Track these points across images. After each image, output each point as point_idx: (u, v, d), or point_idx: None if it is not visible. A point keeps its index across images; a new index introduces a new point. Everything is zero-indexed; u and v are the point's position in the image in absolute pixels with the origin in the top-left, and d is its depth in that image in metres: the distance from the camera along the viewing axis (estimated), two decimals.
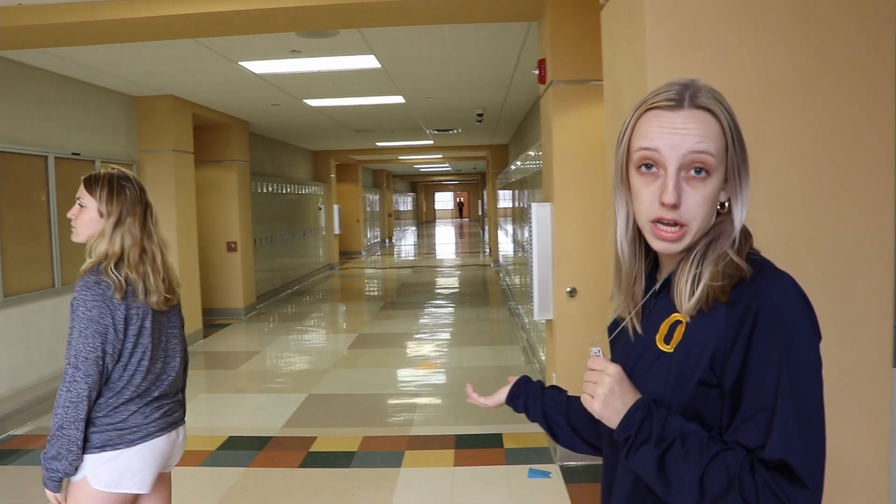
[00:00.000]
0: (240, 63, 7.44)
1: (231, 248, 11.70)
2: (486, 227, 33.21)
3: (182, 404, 2.84)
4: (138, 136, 9.26)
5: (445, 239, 36.02)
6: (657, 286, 1.43)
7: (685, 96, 1.31)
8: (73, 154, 7.72)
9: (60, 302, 7.38)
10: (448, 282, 16.98)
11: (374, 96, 9.99)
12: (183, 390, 2.87)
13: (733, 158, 1.32)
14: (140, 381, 2.58)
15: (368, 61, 7.54)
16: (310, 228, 17.88)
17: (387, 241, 32.08)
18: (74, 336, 2.53)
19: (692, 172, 1.30)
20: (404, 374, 8.05)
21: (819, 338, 1.27)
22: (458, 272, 18.98)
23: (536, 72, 5.24)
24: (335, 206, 20.28)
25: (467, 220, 55.64)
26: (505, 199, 15.40)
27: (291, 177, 16.83)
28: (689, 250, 1.34)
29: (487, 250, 24.62)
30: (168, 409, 2.70)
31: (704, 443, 1.25)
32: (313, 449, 5.60)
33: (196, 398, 7.24)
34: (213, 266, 11.68)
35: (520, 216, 10.92)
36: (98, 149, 8.29)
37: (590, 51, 4.84)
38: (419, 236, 38.85)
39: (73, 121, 7.85)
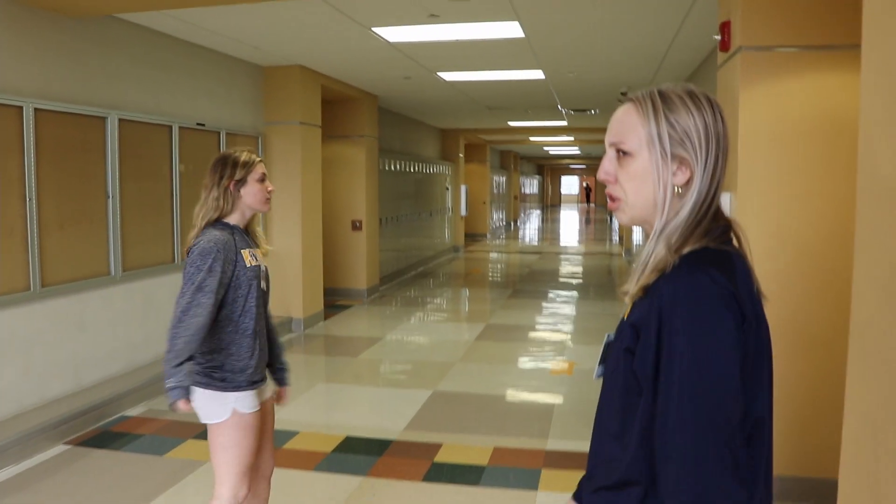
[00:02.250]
0: (373, 29, 6.88)
1: (356, 226, 11.27)
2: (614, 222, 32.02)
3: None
4: (265, 108, 8.88)
5: (572, 224, 35.01)
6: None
7: (629, 95, 1.50)
8: (198, 124, 7.36)
9: (180, 278, 7.03)
10: (577, 270, 16.15)
11: (512, 70, 9.29)
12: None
13: (656, 146, 1.43)
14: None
15: (511, 29, 6.85)
16: (436, 209, 17.38)
17: (512, 224, 31.38)
18: None
19: (620, 154, 1.48)
20: (536, 374, 7.36)
21: (719, 338, 1.29)
22: (587, 260, 18.11)
23: (718, 37, 4.42)
24: (462, 187, 19.73)
25: (593, 205, 54.22)
26: None
27: (419, 155, 16.35)
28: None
29: (616, 238, 23.57)
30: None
31: None
32: (438, 459, 4.99)
33: (314, 387, 6.78)
34: (338, 245, 11.29)
35: None
36: (224, 120, 7.93)
37: (789, 11, 4.00)
38: (544, 220, 37.94)
39: (199, 90, 7.50)
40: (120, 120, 6.16)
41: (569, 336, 8.95)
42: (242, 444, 3.01)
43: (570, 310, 10.89)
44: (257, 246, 3.17)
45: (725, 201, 4.26)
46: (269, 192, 3.13)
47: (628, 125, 1.47)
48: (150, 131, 6.66)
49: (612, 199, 1.52)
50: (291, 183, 8.85)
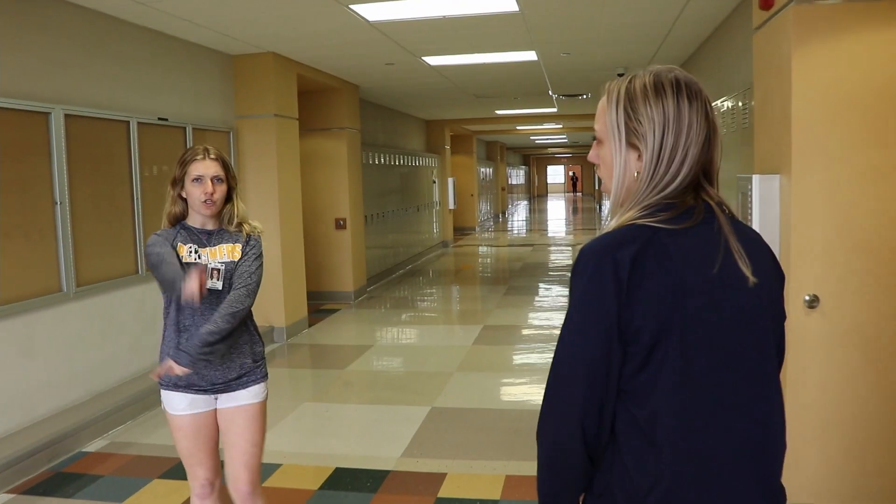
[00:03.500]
0: (350, 7, 6.17)
1: (340, 225, 10.57)
2: (603, 203, 31.48)
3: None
4: (236, 100, 8.16)
5: (560, 214, 34.37)
6: None
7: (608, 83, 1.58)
8: (160, 119, 6.64)
9: (145, 290, 6.34)
10: (571, 262, 15.46)
11: (503, 52, 8.60)
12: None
13: (613, 127, 1.52)
14: None
15: (504, 2, 6.16)
16: (423, 203, 16.68)
17: (500, 216, 30.71)
18: None
19: (597, 142, 1.61)
20: (543, 380, 6.69)
21: (580, 302, 1.50)
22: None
23: None
24: (450, 179, 19.04)
25: (580, 194, 53.62)
26: None
27: (404, 148, 15.65)
28: None
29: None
30: None
31: None
32: (443, 493, 4.31)
33: (299, 408, 6.09)
34: (320, 245, 10.58)
35: None
36: (189, 114, 7.20)
37: None
38: (532, 211, 37.29)
39: (161, 82, 6.77)
40: (66, 115, 5.42)
41: None
42: (178, 444, 3.10)
43: (566, 306, 10.21)
44: (221, 243, 3.04)
45: (773, 185, 3.60)
46: (207, 195, 2.96)
47: (599, 114, 1.57)
48: (104, 128, 5.93)
49: (601, 180, 1.62)
50: (267, 181, 8.14)
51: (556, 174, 61.85)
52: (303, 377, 7.17)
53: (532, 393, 6.29)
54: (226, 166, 3.06)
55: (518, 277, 13.23)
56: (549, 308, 10.24)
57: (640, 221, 1.45)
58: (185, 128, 7.04)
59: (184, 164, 3.01)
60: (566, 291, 11.51)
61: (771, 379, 1.51)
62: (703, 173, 1.52)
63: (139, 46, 6.44)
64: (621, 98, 1.51)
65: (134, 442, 5.33)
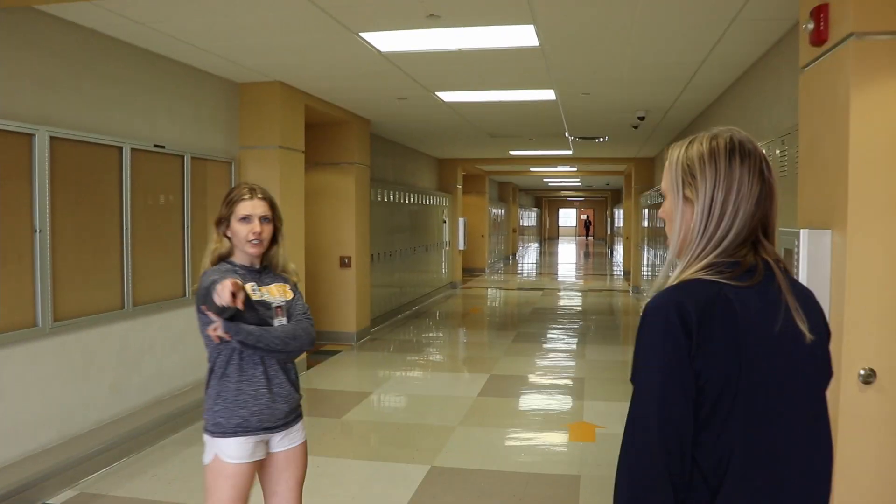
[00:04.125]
0: (361, 35, 5.83)
1: (345, 263, 10.18)
2: (616, 248, 31.05)
3: None
4: (241, 130, 7.82)
5: (571, 258, 33.93)
6: None
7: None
8: (157, 146, 6.28)
9: (131, 328, 5.94)
10: (582, 309, 15.02)
11: (520, 90, 8.26)
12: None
13: (673, 187, 1.62)
14: None
15: (524, 35, 5.81)
16: (432, 243, 16.30)
17: (511, 257, 30.30)
18: None
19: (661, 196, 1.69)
20: (553, 441, 6.23)
21: (653, 356, 1.49)
22: (592, 298, 16.97)
23: (809, 26, 3.36)
24: (460, 220, 18.68)
25: (592, 238, 53.21)
26: (656, 219, 13.41)
27: (415, 185, 15.31)
28: None
29: (621, 273, 22.49)
30: None
31: None
32: None
33: None
34: (324, 283, 10.18)
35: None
36: (189, 142, 6.86)
37: None
38: (543, 254, 36.86)
39: (159, 106, 6.43)
40: (52, 137, 5.06)
41: (583, 390, 7.81)
42: (222, 495, 2.95)
43: (579, 357, 9.74)
44: (271, 283, 3.07)
45: (824, 241, 3.19)
46: (255, 235, 2.96)
47: (665, 171, 1.66)
48: (93, 152, 5.57)
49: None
50: None
51: (567, 217, 61.56)
52: None
53: (540, 454, 5.82)
54: (272, 206, 3.05)
55: (527, 323, 12.78)
56: (559, 357, 9.78)
57: (706, 277, 1.50)
58: (183, 156, 6.68)
59: (230, 202, 2.99)
60: (576, 339, 11.06)
61: (825, 435, 1.57)
62: (762, 229, 1.58)
63: (136, 69, 6.10)
64: (680, 157, 1.61)
65: (104, 494, 4.89)
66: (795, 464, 1.50)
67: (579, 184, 30.80)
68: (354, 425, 6.65)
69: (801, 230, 3.21)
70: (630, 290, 17.78)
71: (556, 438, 6.22)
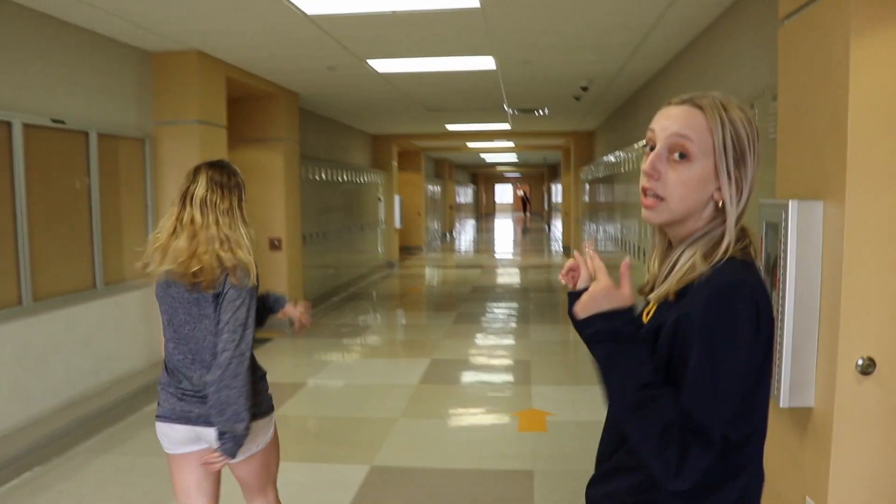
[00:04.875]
0: None
1: (275, 245, 9.59)
2: (553, 224, 30.88)
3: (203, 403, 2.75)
4: (155, 104, 7.17)
5: (509, 235, 33.68)
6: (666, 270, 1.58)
7: (692, 98, 1.51)
8: (55, 121, 5.64)
9: (31, 325, 5.33)
10: (523, 287, 14.65)
11: (458, 56, 7.76)
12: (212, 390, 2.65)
13: (722, 160, 1.46)
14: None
15: None
16: (368, 222, 15.75)
17: (448, 235, 29.88)
18: None
19: (675, 155, 1.48)
20: (501, 432, 5.81)
21: (752, 333, 1.40)
22: (532, 274, 16.63)
23: None
24: (396, 197, 18.14)
25: (529, 214, 53.12)
26: (597, 193, 13.11)
27: (348, 163, 14.72)
28: (688, 237, 1.54)
29: (560, 249, 22.27)
30: (176, 398, 2.80)
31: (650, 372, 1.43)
32: None
33: None
34: None
35: (629, 212, 8.80)
36: (95, 117, 6.22)
37: None
38: (480, 231, 36.55)
39: (56, 77, 5.77)
40: None
41: (529, 374, 7.41)
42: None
43: (523, 337, 9.35)
44: None
45: (815, 214, 2.79)
46: None
47: (695, 129, 1.48)
48: None
49: (653, 197, 1.51)
50: None
51: (504, 193, 61.39)
52: None
53: (489, 448, 5.40)
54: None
55: (467, 303, 12.36)
56: (502, 338, 9.38)
57: (740, 257, 1.49)
58: (88, 132, 6.05)
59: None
60: (518, 319, 10.68)
61: None
62: None
63: (28, 33, 5.44)
64: (727, 122, 1.48)
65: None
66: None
67: (516, 159, 30.50)
68: (286, 422, 6.12)
69: (790, 201, 2.81)
70: None
71: (505, 429, 5.81)
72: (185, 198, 2.80)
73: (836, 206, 2.69)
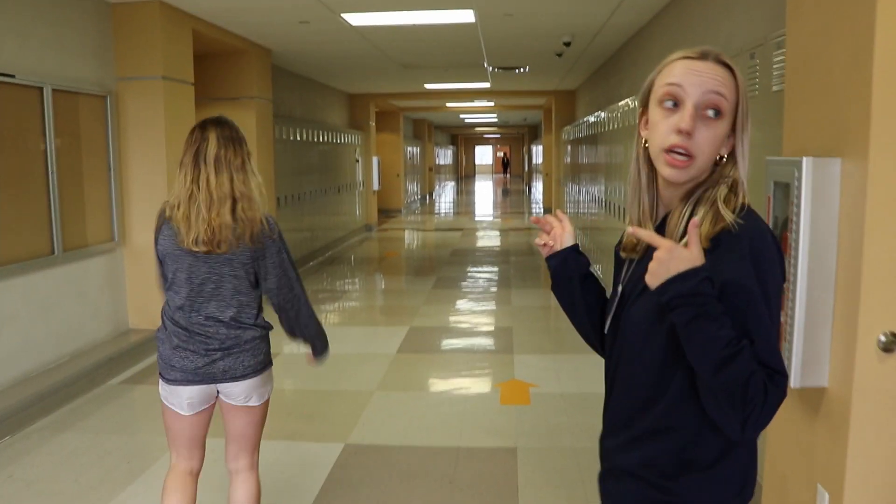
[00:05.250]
0: None
1: None
2: (534, 185, 30.57)
3: (230, 355, 2.84)
4: (116, 58, 6.77)
5: (490, 196, 33.38)
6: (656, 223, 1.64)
7: (709, 53, 1.52)
8: (3, 75, 5.25)
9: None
10: (504, 250, 14.37)
11: (436, 10, 7.39)
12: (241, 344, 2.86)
13: (741, 116, 1.51)
14: (166, 305, 2.87)
15: None
16: (345, 184, 15.38)
17: (427, 197, 29.53)
18: None
19: (709, 113, 1.49)
20: (483, 405, 5.56)
21: (783, 275, 1.50)
22: (513, 237, 16.36)
23: None
24: (374, 158, 17.75)
25: (509, 175, 52.77)
26: (579, 154, 12.79)
27: (325, 123, 14.30)
28: (687, 195, 1.56)
29: (541, 210, 22.01)
30: (191, 356, 2.82)
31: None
32: None
33: None
34: None
35: (613, 174, 8.54)
36: (50, 71, 5.82)
37: None
38: (460, 193, 36.21)
39: (6, 28, 5.37)
40: None
41: (511, 342, 7.16)
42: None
43: (504, 303, 9.09)
44: None
45: (832, 172, 2.51)
46: None
47: (728, 87, 1.50)
48: None
49: (686, 155, 1.50)
50: (153, 157, 6.81)
51: (484, 155, 60.99)
52: None
53: (469, 423, 5.14)
54: None
55: (447, 266, 12.08)
56: (483, 304, 9.12)
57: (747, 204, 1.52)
58: (42, 88, 5.66)
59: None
60: (499, 283, 10.41)
61: None
62: None
63: None
64: (741, 81, 1.54)
65: None
66: None
67: (496, 120, 30.08)
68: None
69: (804, 159, 2.51)
70: None
71: (487, 402, 5.55)
72: (198, 158, 2.80)
73: (857, 162, 2.40)
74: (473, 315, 8.56)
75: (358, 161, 16.63)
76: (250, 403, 2.96)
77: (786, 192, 2.64)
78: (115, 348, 6.44)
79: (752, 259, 1.43)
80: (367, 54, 10.37)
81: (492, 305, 9.07)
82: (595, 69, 12.41)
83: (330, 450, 4.62)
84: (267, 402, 3.07)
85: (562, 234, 1.85)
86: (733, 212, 1.47)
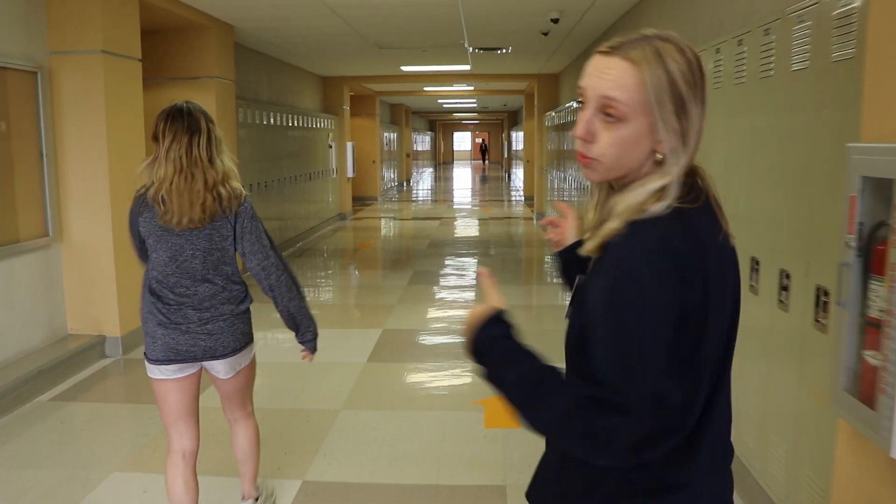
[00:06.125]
0: None
1: None
2: (513, 172, 29.88)
3: (210, 335, 3.00)
4: (49, 30, 5.99)
5: (468, 184, 32.65)
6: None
7: (623, 46, 1.36)
8: None
9: None
10: (483, 240, 13.64)
11: None
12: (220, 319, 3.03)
13: (658, 116, 1.34)
14: (151, 281, 3.00)
15: None
16: (317, 170, 14.59)
17: (405, 184, 28.76)
18: None
19: (604, 115, 1.37)
20: (466, 428, 4.85)
21: (663, 291, 1.27)
22: (493, 227, 15.65)
23: None
24: (349, 144, 16.95)
25: (488, 162, 52.03)
26: (563, 140, 12.11)
27: (295, 106, 13.51)
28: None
29: (521, 198, 21.32)
30: (173, 334, 2.96)
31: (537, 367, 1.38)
32: None
33: (106, 480, 4.08)
34: None
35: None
36: None
37: None
38: (438, 179, 35.45)
39: None
40: None
41: None
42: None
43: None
44: None
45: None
46: None
47: (625, 88, 1.34)
48: None
49: (585, 157, 1.43)
50: (93, 141, 6.05)
51: (462, 141, 60.21)
52: (122, 423, 5.12)
53: (449, 453, 4.44)
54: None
55: (424, 259, 11.36)
56: (462, 303, 8.42)
57: (675, 205, 1.34)
58: None
59: None
60: (473, 276, 9.71)
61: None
62: None
63: None
64: (662, 72, 1.33)
65: None
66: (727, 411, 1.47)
67: (475, 105, 29.32)
68: (206, 416, 5.08)
69: (850, 146, 1.84)
70: (534, 217, 16.58)
71: (469, 425, 4.83)
72: (175, 140, 2.88)
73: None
74: (452, 316, 7.85)
75: (331, 147, 15.84)
76: (232, 375, 3.18)
77: (884, 190, 1.95)
78: (48, 358, 5.70)
79: (613, 278, 1.31)
80: (339, 33, 9.60)
81: (472, 305, 8.36)
82: (582, 51, 11.70)
83: (285, 489, 3.91)
84: (250, 365, 3.28)
85: (567, 229, 1.83)
86: (645, 218, 1.33)
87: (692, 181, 1.39)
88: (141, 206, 2.95)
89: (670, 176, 1.35)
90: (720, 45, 4.00)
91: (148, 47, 7.85)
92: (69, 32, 5.97)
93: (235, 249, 3.01)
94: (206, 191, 2.87)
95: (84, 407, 5.18)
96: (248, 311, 3.15)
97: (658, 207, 1.33)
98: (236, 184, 3.00)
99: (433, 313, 7.94)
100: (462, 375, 5.84)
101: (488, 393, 5.23)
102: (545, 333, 6.69)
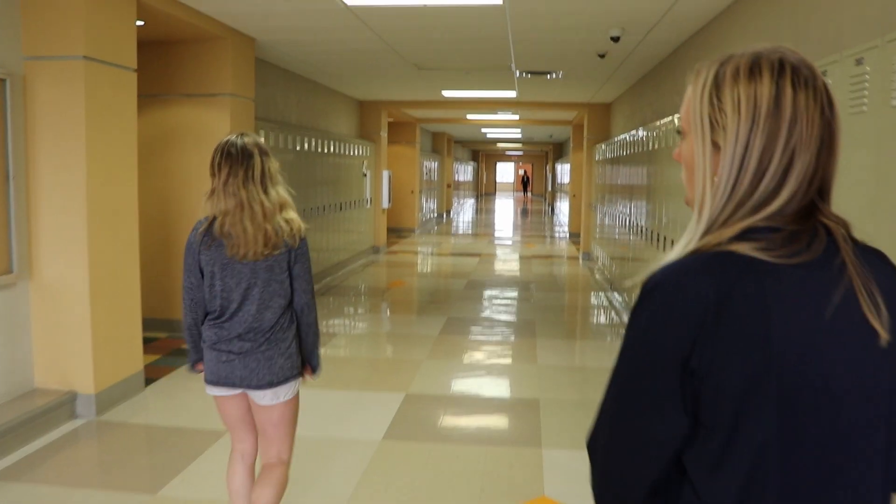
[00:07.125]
0: None
1: None
2: (557, 205, 28.80)
3: (246, 367, 3.05)
4: (24, 32, 5.09)
5: (509, 217, 31.58)
6: None
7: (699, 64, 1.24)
8: None
9: None
10: (526, 283, 12.51)
11: None
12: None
13: (699, 135, 1.16)
14: (211, 315, 3.12)
15: None
16: (350, 201, 13.64)
17: (444, 215, 27.77)
18: None
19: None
20: None
21: (644, 339, 1.10)
22: (536, 267, 14.51)
23: None
24: (385, 172, 15.98)
25: (530, 195, 50.96)
26: (617, 175, 11.04)
27: (328, 131, 12.59)
28: None
29: (566, 234, 20.19)
30: (226, 359, 3.07)
31: None
32: None
33: None
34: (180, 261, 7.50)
35: (658, 198, 7.19)
36: None
37: None
38: (479, 211, 34.43)
39: None
40: None
41: (539, 430, 5.34)
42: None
43: (528, 361, 7.22)
44: None
45: None
46: None
47: (685, 101, 1.23)
48: None
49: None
50: (70, 161, 5.12)
51: (505, 172, 59.30)
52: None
53: None
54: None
55: (460, 303, 10.28)
56: (501, 361, 7.33)
57: (732, 248, 1.09)
58: None
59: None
60: (522, 329, 8.61)
61: (879, 468, 1.09)
62: (819, 191, 1.13)
63: None
64: (708, 81, 1.16)
65: None
66: None
67: (520, 135, 28.34)
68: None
69: None
70: (580, 256, 15.46)
71: None
72: (231, 174, 2.97)
73: None
74: (488, 377, 6.76)
75: (365, 175, 14.89)
76: (272, 404, 3.11)
77: None
78: (8, 416, 4.75)
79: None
80: (372, 49, 8.65)
81: (510, 361, 7.27)
82: (637, 79, 10.65)
83: None
84: (292, 400, 3.17)
85: None
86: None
87: (807, 230, 1.09)
88: (206, 238, 3.02)
89: (708, 205, 1.16)
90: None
91: (158, 60, 7.03)
92: (48, 35, 5.07)
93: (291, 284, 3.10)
94: (266, 222, 2.97)
95: (38, 493, 4.18)
96: (291, 345, 3.13)
97: (706, 241, 1.13)
98: (293, 214, 3.10)
99: (468, 373, 6.87)
100: (497, 463, 4.72)
101: (529, 491, 4.16)
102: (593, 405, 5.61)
